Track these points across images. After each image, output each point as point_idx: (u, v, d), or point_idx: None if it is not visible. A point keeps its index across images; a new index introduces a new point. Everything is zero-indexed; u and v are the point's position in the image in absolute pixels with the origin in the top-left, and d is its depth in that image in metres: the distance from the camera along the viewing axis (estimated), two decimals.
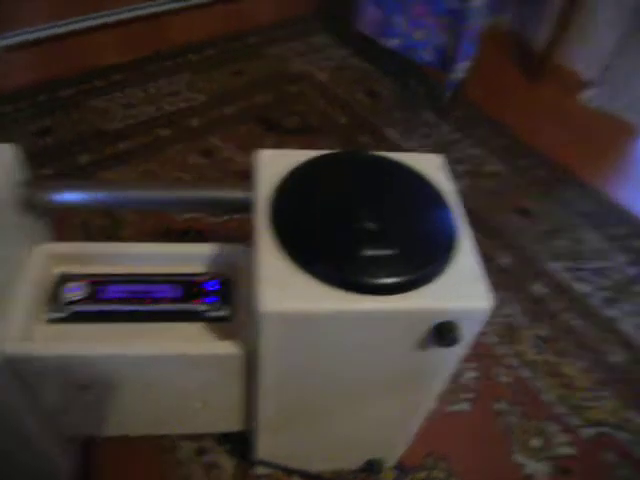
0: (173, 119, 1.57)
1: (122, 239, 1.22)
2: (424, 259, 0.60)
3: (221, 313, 0.70)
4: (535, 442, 1.01)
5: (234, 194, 0.71)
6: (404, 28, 1.56)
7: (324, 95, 1.71)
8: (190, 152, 1.47)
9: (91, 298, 0.70)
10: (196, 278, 0.72)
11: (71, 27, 1.59)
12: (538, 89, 1.82)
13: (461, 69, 1.44)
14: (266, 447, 0.83)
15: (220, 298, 0.71)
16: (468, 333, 0.61)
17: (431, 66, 1.59)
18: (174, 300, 0.71)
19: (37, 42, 1.56)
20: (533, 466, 0.98)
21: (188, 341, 0.68)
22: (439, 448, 0.98)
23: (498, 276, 1.25)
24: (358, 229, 0.61)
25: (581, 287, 1.26)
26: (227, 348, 0.66)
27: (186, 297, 0.71)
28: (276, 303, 0.55)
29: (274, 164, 0.68)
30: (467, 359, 1.07)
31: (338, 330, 0.59)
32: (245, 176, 1.42)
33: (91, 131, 1.51)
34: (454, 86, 1.51)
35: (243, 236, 1.27)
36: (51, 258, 0.73)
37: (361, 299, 0.56)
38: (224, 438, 0.96)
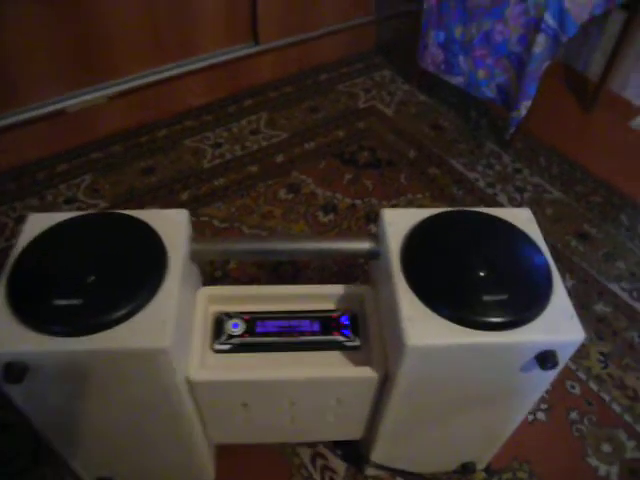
0: (258, 156, 1.74)
1: (229, 270, 1.39)
2: (529, 301, 0.75)
3: (355, 343, 0.86)
4: (606, 447, 1.14)
5: (362, 245, 0.87)
6: (468, 67, 1.69)
7: (392, 129, 1.86)
8: (279, 187, 1.63)
9: (249, 332, 0.86)
10: (331, 314, 0.88)
11: (162, 75, 1.78)
12: (592, 117, 1.94)
13: (523, 107, 1.57)
14: (379, 452, 0.98)
15: (351, 330, 0.87)
16: (563, 358, 0.76)
17: (493, 102, 1.72)
18: (315, 332, 0.86)
19: (133, 90, 1.75)
20: (605, 468, 1.11)
21: (330, 367, 0.84)
22: (522, 453, 1.12)
23: None
24: (474, 277, 0.76)
25: None
26: (366, 372, 0.81)
27: (324, 330, 0.87)
28: (418, 338, 0.70)
29: (396, 221, 0.84)
30: None
31: (462, 358, 0.74)
32: (328, 210, 1.62)
33: (188, 170, 1.68)
34: (516, 123, 1.65)
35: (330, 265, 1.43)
36: (209, 299, 0.90)
37: (483, 334, 0.71)
38: (335, 445, 1.11)
